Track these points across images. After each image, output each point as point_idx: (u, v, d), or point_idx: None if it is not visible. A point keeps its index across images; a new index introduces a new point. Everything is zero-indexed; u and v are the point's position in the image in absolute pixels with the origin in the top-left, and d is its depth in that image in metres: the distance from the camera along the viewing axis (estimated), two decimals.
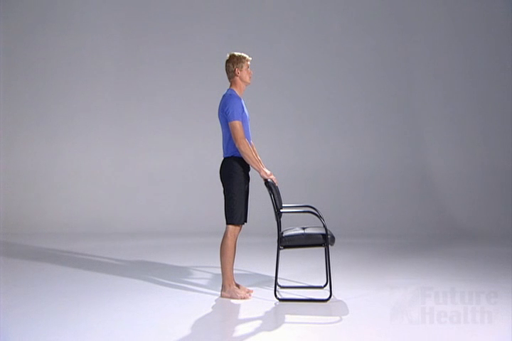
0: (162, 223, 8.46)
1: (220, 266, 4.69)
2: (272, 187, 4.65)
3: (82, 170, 8.85)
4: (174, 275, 5.55)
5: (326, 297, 4.61)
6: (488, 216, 8.55)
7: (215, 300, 4.65)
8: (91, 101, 9.01)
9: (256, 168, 4.62)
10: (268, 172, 4.69)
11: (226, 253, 4.63)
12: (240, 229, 4.71)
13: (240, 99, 4.68)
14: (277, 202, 4.69)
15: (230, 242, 4.62)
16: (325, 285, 4.91)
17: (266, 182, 4.67)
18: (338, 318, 4.23)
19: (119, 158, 8.97)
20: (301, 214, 4.93)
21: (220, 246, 4.67)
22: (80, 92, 8.99)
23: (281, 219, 4.65)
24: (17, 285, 5.18)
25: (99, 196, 8.74)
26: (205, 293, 4.91)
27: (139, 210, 8.68)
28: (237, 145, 4.57)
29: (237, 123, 4.57)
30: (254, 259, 5.89)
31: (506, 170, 8.93)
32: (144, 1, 9.13)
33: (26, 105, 8.92)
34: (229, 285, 4.67)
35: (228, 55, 4.77)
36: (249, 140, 4.73)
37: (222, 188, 4.71)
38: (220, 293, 4.74)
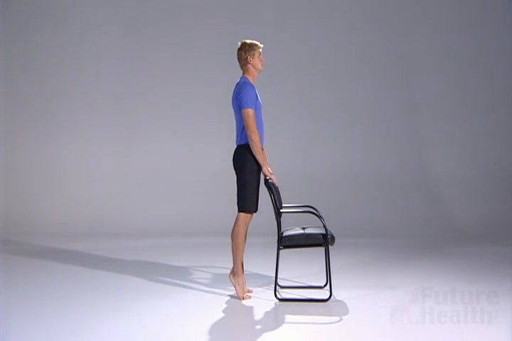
0: (162, 223, 8.46)
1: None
2: (272, 187, 4.66)
3: (82, 170, 8.84)
4: (174, 275, 5.55)
5: (326, 297, 4.62)
6: (488, 216, 8.54)
7: (216, 300, 4.65)
8: (91, 101, 9.00)
9: (260, 161, 4.64)
10: (270, 170, 4.71)
11: (236, 240, 4.67)
12: (252, 217, 4.72)
13: (254, 87, 4.71)
14: (277, 202, 4.69)
15: (240, 230, 4.66)
16: (325, 285, 4.91)
17: (266, 181, 4.68)
18: (338, 318, 4.23)
19: (119, 157, 8.97)
20: (301, 214, 4.93)
21: (230, 234, 4.70)
22: (79, 92, 8.98)
23: (281, 219, 4.66)
24: (17, 284, 5.18)
25: (99, 196, 8.74)
26: (206, 292, 4.91)
27: (139, 210, 8.67)
28: (248, 133, 4.59)
29: (250, 111, 4.59)
30: (254, 259, 5.87)
31: (506, 169, 8.93)
32: None
33: (26, 105, 8.91)
34: (238, 276, 4.70)
35: (240, 43, 4.80)
36: (262, 127, 4.76)
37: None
38: (228, 276, 4.80)
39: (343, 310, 4.41)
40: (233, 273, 4.74)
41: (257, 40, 4.88)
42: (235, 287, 4.72)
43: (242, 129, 4.68)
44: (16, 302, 4.55)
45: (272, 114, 8.86)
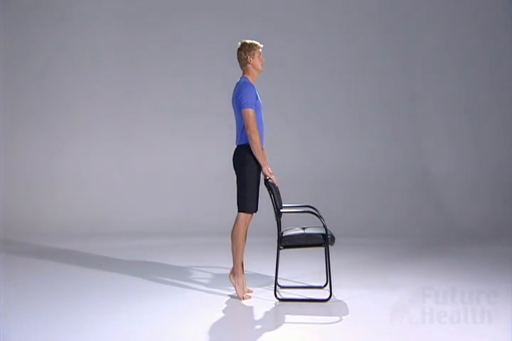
0: (162, 223, 8.45)
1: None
2: (272, 187, 4.66)
3: (81, 170, 8.84)
4: (174, 275, 5.54)
5: (326, 297, 4.61)
6: (490, 216, 8.54)
7: (216, 300, 4.65)
8: (90, 101, 8.99)
9: (260, 161, 4.64)
10: (270, 170, 4.71)
11: (237, 240, 4.67)
12: (252, 217, 4.72)
13: (254, 87, 4.71)
14: (277, 202, 4.69)
15: (241, 230, 4.66)
16: (325, 285, 4.91)
17: (266, 181, 4.68)
18: (338, 318, 4.23)
19: (118, 157, 8.97)
20: (301, 214, 4.92)
21: (230, 234, 4.70)
22: (79, 92, 8.98)
23: (281, 219, 4.66)
24: (16, 284, 5.18)
25: (98, 196, 8.74)
26: (206, 292, 4.91)
27: (139, 210, 8.67)
28: (248, 133, 4.59)
29: (250, 111, 4.59)
30: (254, 259, 5.87)
31: (506, 169, 8.93)
32: None
33: (25, 105, 8.90)
34: (238, 276, 4.70)
35: (240, 43, 4.80)
36: (262, 127, 4.76)
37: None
38: (228, 276, 4.79)
39: (343, 310, 4.41)
40: (233, 273, 4.74)
41: (258, 40, 4.88)
42: (234, 287, 4.72)
43: (242, 129, 4.68)
44: (15, 302, 4.55)
45: (272, 114, 8.86)
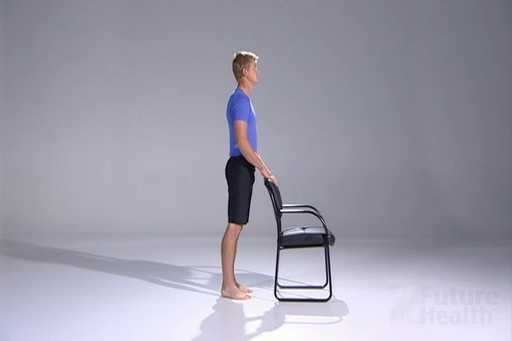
0: (162, 223, 8.46)
1: (220, 265, 4.70)
2: (272, 187, 4.66)
3: (82, 170, 8.84)
4: (174, 275, 5.55)
5: (326, 297, 4.61)
6: (488, 216, 8.54)
7: (215, 300, 4.65)
8: (91, 101, 9.00)
9: (258, 166, 4.62)
10: (269, 171, 4.70)
11: (226, 252, 4.63)
12: (242, 229, 4.70)
13: (248, 99, 4.65)
14: (277, 202, 4.69)
15: (230, 241, 4.63)
16: (325, 285, 4.92)
17: (266, 182, 4.67)
18: (338, 318, 4.23)
19: (119, 158, 8.97)
20: (301, 214, 4.92)
21: (220, 244, 4.68)
22: (79, 92, 8.98)
23: (281, 219, 4.65)
24: (17, 285, 5.18)
25: (99, 196, 8.74)
26: (205, 292, 4.91)
27: (139, 210, 8.67)
28: (237, 144, 4.55)
29: (241, 123, 4.55)
30: (254, 259, 5.88)
31: (506, 170, 8.93)
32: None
33: (26, 105, 8.91)
34: (229, 285, 4.67)
35: (235, 55, 4.75)
36: (256, 140, 4.72)
37: (222, 187, 4.70)
38: (220, 291, 4.75)
39: (343, 310, 4.41)
40: (224, 285, 4.69)
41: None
42: (231, 297, 4.65)
43: (235, 141, 4.62)
44: (15, 303, 4.55)
45: (272, 114, 8.90)
